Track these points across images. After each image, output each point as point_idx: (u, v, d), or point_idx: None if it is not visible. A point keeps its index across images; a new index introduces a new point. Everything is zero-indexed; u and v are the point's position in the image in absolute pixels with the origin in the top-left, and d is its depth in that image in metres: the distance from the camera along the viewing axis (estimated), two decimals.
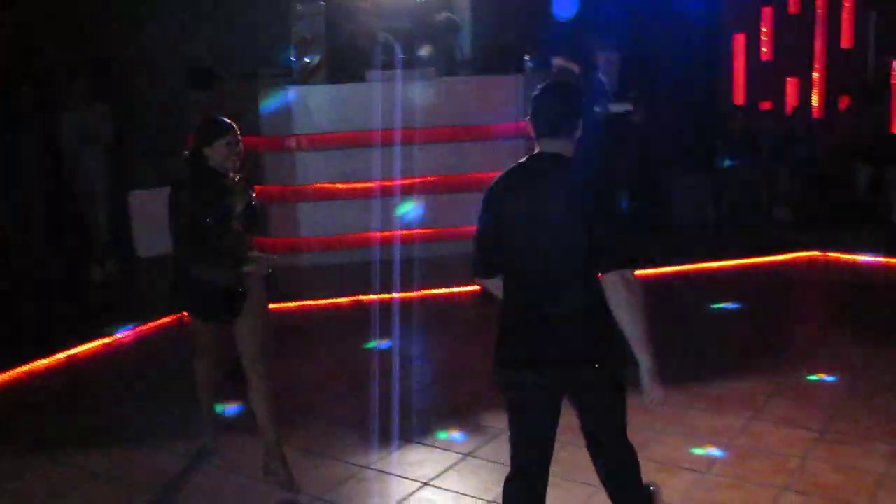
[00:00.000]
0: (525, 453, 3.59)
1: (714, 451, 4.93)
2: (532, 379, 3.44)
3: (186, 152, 4.64)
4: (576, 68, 8.75)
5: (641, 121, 8.74)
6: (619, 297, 3.25)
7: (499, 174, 3.63)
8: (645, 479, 4.62)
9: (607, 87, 8.32)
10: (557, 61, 8.69)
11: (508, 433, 3.60)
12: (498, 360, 3.50)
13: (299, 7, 8.45)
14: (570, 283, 3.39)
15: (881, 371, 5.98)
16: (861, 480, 4.56)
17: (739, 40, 11.16)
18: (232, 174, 4.61)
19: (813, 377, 5.92)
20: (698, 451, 4.94)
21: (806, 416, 5.32)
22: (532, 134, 3.54)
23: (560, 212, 3.37)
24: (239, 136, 4.62)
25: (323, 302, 7.84)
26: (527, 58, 8.35)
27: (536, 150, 3.53)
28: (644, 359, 3.31)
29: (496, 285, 3.60)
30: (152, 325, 7.31)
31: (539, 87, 3.61)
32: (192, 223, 4.53)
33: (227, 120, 4.67)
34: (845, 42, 11.34)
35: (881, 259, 8.54)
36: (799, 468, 4.71)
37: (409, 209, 8.05)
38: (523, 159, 3.59)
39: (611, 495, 3.70)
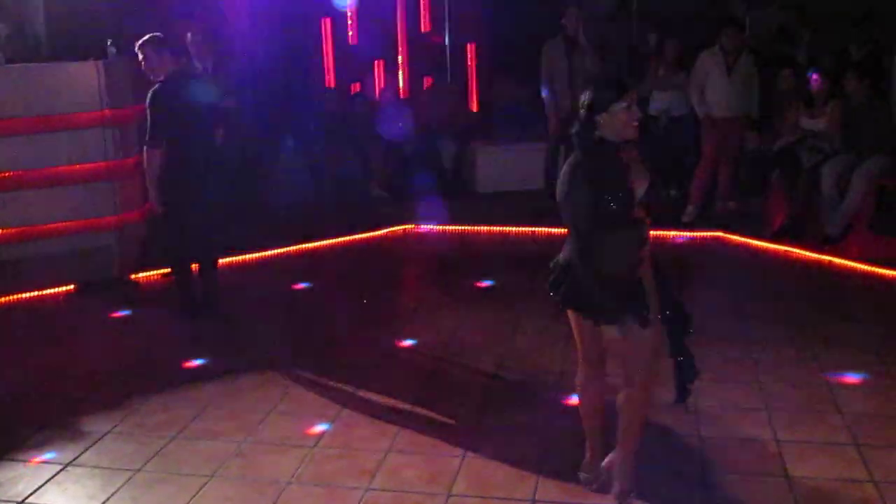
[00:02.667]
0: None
1: (322, 425, 5.03)
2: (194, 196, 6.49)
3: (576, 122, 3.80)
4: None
5: (235, 104, 8.70)
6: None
7: (159, 85, 6.35)
8: (255, 462, 4.65)
9: (199, 71, 8.17)
10: None
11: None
12: (173, 194, 6.46)
13: None
14: (211, 139, 6.66)
15: (469, 332, 6.44)
16: (456, 432, 4.90)
17: (327, 24, 11.42)
18: (629, 147, 3.80)
19: (410, 342, 6.26)
20: (306, 427, 5.02)
21: (405, 381, 5.60)
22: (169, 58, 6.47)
23: (203, 100, 6.50)
24: (636, 99, 3.82)
25: None
26: (109, 42, 7.92)
27: (174, 69, 6.51)
28: None
29: (159, 154, 6.34)
30: None
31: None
32: (590, 208, 3.67)
33: (623, 79, 3.93)
34: (424, 26, 12.01)
35: (468, 228, 9.18)
36: (401, 430, 4.94)
37: None
38: (168, 76, 6.39)
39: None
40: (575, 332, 4.10)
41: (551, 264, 4.04)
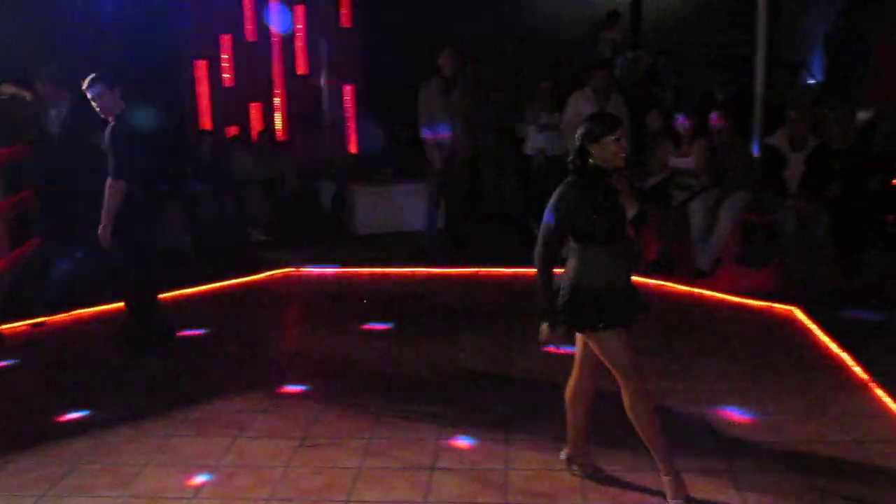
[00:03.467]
0: None
1: (201, 476, 4.89)
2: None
3: (572, 151, 4.31)
4: (28, 95, 8.29)
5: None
6: None
7: (116, 121, 6.51)
8: None
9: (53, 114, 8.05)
10: (7, 88, 8.15)
11: None
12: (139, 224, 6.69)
13: None
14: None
15: (352, 375, 6.39)
16: (339, 477, 4.83)
17: (201, 67, 11.28)
18: (619, 175, 4.28)
19: (292, 387, 6.16)
20: (185, 479, 4.87)
21: (287, 426, 5.51)
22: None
23: (158, 131, 6.85)
24: (626, 133, 4.31)
25: None
26: None
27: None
28: None
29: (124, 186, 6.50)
30: None
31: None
32: (585, 227, 4.23)
33: (614, 115, 4.48)
34: (301, 69, 11.99)
35: (349, 270, 9.14)
36: (282, 477, 4.85)
37: None
38: (122, 112, 6.56)
39: None
40: (620, 351, 4.32)
41: (560, 292, 4.34)
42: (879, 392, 5.77)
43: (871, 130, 8.59)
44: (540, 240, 4.29)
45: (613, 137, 4.21)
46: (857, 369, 6.14)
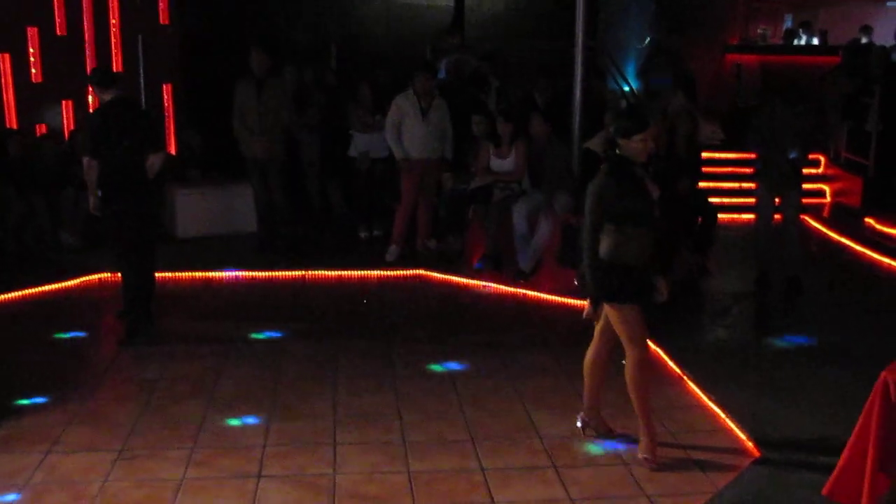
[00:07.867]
0: None
1: (9, 496, 4.61)
2: None
3: (600, 139, 4.84)
4: None
5: None
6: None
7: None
8: None
9: None
10: None
11: None
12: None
13: None
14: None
15: (172, 382, 6.17)
16: (161, 490, 4.66)
17: (5, 61, 10.65)
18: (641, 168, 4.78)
19: (110, 398, 5.90)
20: None
21: (105, 438, 5.27)
22: None
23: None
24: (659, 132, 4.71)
25: None
26: None
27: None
28: None
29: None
30: None
31: None
32: (612, 211, 4.69)
33: (645, 116, 4.88)
34: (116, 65, 11.52)
35: (169, 274, 8.80)
36: (100, 492, 4.65)
37: None
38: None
39: None
40: (635, 323, 4.82)
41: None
42: (692, 385, 6.06)
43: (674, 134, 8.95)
44: (588, 226, 4.74)
45: (640, 137, 4.70)
46: (672, 364, 6.42)
